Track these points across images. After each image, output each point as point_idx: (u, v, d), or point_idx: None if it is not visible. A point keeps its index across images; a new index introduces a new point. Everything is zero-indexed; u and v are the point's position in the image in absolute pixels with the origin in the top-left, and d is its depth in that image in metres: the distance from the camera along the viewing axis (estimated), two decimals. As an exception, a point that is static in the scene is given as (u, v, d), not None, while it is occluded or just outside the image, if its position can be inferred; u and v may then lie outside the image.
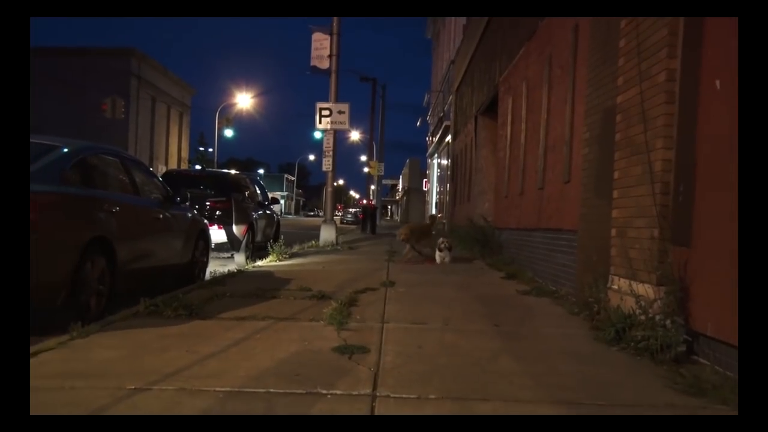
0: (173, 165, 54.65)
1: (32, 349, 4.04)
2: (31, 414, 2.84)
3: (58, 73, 45.58)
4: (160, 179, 8.41)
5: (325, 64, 17.00)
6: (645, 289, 4.76)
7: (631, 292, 4.95)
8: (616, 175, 5.62)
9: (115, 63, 48.08)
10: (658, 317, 4.38)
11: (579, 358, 4.33)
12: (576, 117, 7.60)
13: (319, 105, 16.57)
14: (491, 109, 15.63)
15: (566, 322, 5.74)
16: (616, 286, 5.38)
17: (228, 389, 3.32)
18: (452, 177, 25.84)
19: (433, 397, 3.31)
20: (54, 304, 5.00)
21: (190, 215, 8.44)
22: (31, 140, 6.24)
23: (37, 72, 41.05)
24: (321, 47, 17.01)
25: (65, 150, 5.81)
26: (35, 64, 39.96)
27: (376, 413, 3.01)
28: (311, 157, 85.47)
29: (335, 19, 16.88)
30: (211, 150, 52.71)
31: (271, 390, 3.33)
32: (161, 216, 7.30)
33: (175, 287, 7.04)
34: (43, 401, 3.08)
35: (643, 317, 4.49)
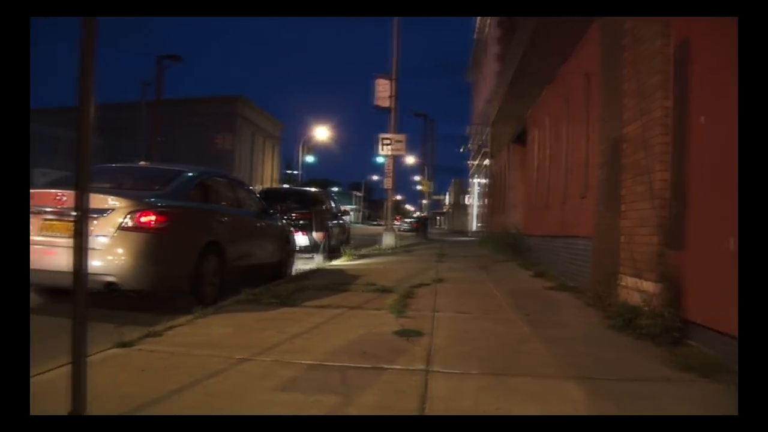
0: (267, 184, 55.96)
1: (168, 324, 4.32)
2: (161, 374, 3.02)
3: (186, 118, 47.98)
4: (258, 195, 8.64)
5: (385, 103, 17.15)
6: (648, 286, 4.65)
7: (637, 288, 4.86)
8: (623, 192, 5.52)
9: (225, 107, 50.31)
10: (658, 309, 4.29)
11: (593, 341, 4.26)
12: (590, 145, 7.48)
13: (381, 136, 16.64)
14: (521, 138, 15.44)
15: (583, 313, 5.62)
16: (624, 283, 5.27)
17: (311, 362, 3.41)
18: (490, 193, 25.60)
19: (474, 372, 3.30)
20: (183, 291, 5.34)
21: (280, 224, 8.58)
22: (166, 167, 6.66)
23: (171, 117, 43.28)
24: (382, 90, 17.20)
25: (189, 174, 6.16)
26: (170, 112, 42.03)
27: (429, 386, 3.00)
28: (375, 177, 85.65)
29: (394, 68, 17.06)
30: (296, 172, 53.60)
31: (345, 364, 3.38)
32: (258, 224, 7.46)
33: (269, 281, 7.14)
34: (177, 364, 3.30)
35: (646, 309, 4.39)
